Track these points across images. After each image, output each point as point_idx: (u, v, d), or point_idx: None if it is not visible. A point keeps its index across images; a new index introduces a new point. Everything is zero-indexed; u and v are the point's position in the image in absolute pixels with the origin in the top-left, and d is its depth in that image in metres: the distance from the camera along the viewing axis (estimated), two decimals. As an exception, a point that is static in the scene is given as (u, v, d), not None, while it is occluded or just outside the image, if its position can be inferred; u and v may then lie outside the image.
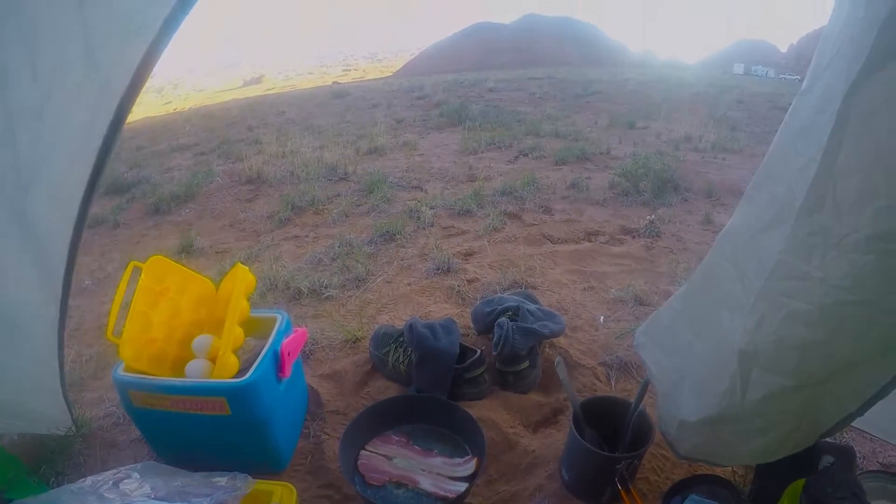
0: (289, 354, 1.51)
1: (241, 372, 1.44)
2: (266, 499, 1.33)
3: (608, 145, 6.01)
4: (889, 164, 0.82)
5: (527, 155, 5.75)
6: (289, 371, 1.52)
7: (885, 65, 0.79)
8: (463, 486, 1.47)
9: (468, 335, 2.16)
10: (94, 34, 1.12)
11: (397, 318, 2.40)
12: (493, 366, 1.89)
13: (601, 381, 1.94)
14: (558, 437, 1.66)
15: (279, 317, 1.63)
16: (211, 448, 1.53)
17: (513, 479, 1.57)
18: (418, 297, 2.62)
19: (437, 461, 1.57)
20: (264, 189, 5.26)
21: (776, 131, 1.06)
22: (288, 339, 1.54)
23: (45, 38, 1.09)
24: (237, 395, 1.39)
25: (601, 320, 2.34)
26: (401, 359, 1.87)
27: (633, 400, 1.49)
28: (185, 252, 3.83)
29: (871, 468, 1.55)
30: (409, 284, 2.77)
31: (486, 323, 2.05)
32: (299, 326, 1.70)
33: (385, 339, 1.97)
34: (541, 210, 3.87)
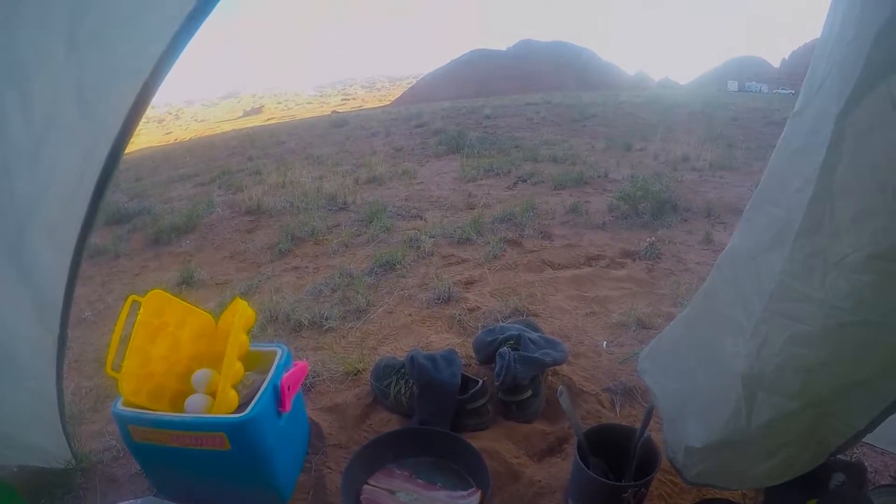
0: (289, 388, 1.50)
1: (241, 407, 1.43)
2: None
3: (606, 168, 6.05)
4: (885, 182, 0.83)
5: (525, 181, 5.78)
6: (289, 405, 1.51)
7: (876, 85, 0.80)
8: (468, 519, 1.45)
9: (470, 365, 2.15)
10: (86, 75, 1.14)
11: (398, 350, 2.39)
12: (495, 396, 1.88)
13: (605, 408, 1.92)
14: (564, 467, 1.63)
15: (279, 351, 1.62)
16: (211, 483, 1.52)
17: (518, 510, 1.55)
18: (419, 327, 2.61)
19: (441, 494, 1.54)
20: (264, 220, 5.28)
21: (772, 146, 1.07)
22: (288, 374, 1.53)
23: (37, 80, 1.11)
24: (237, 431, 1.37)
25: (604, 346, 2.33)
26: (402, 391, 1.85)
27: (638, 427, 1.48)
28: (186, 284, 3.84)
29: (883, 482, 1.53)
30: (409, 315, 2.76)
31: (487, 352, 2.04)
32: (300, 360, 1.70)
33: (386, 371, 1.96)
34: (540, 236, 3.88)
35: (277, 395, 1.48)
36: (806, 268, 0.95)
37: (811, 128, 0.94)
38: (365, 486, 1.58)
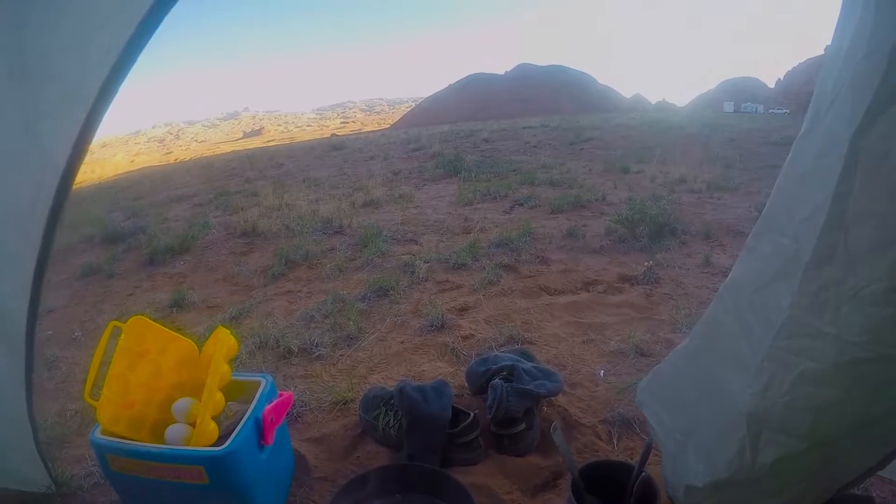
0: (272, 421, 1.43)
1: (221, 439, 1.37)
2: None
3: (603, 192, 6.02)
4: (905, 210, 0.77)
5: (522, 205, 5.75)
6: (271, 438, 1.44)
7: (893, 104, 0.74)
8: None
9: (462, 395, 2.08)
10: (32, 103, 1.13)
11: (389, 378, 2.31)
12: (487, 428, 1.80)
13: (603, 441, 1.84)
14: (558, 503, 1.56)
15: (263, 381, 1.56)
16: (191, 516, 1.44)
17: (510, 550, 1.47)
18: (411, 355, 2.54)
19: (429, 533, 1.47)
20: (259, 242, 5.24)
21: (770, 167, 1.01)
22: (271, 405, 1.46)
23: None
24: (216, 465, 1.31)
25: (601, 375, 2.25)
26: (391, 423, 1.78)
27: (636, 463, 1.41)
28: (177, 306, 3.78)
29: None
30: (402, 342, 2.69)
31: (480, 383, 1.97)
32: (286, 390, 1.64)
33: (375, 402, 1.89)
34: (537, 261, 3.82)
35: (259, 428, 1.42)
36: (817, 301, 0.88)
37: (821, 150, 0.88)
38: (350, 524, 1.50)
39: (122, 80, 1.11)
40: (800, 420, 0.97)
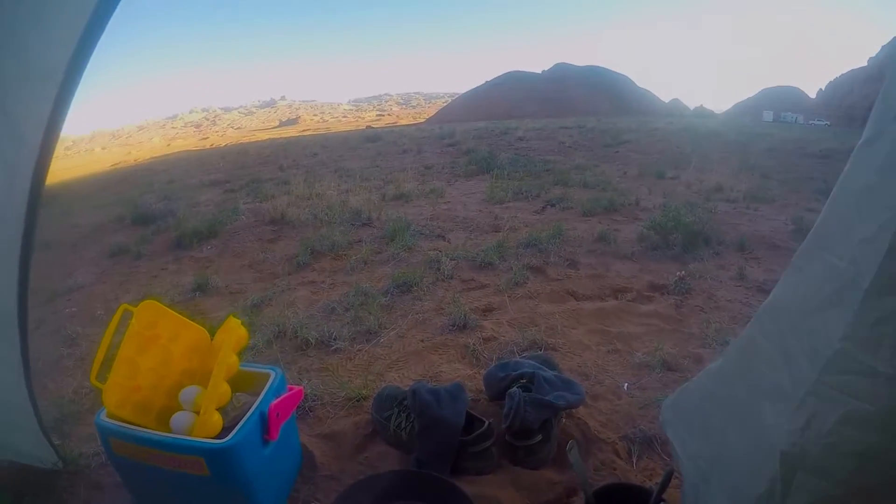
0: (277, 416, 1.39)
1: (226, 430, 1.34)
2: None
3: (637, 196, 5.88)
4: None
5: (554, 205, 5.65)
6: (276, 434, 1.40)
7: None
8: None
9: (479, 400, 2.01)
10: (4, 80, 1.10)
11: (406, 378, 2.26)
12: (502, 437, 1.74)
13: (622, 458, 1.76)
14: (572, 523, 1.49)
15: (272, 374, 1.52)
16: (191, 504, 1.42)
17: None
18: (430, 354, 2.48)
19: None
20: (287, 231, 5.25)
21: (810, 178, 0.92)
22: (278, 400, 1.42)
23: None
24: (216, 457, 1.28)
25: (625, 388, 2.17)
26: (403, 425, 1.72)
27: (654, 487, 1.33)
28: (200, 290, 3.80)
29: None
30: (422, 341, 2.63)
31: (498, 389, 1.91)
32: (298, 383, 1.59)
33: (388, 402, 1.84)
34: (566, 264, 3.73)
35: (264, 423, 1.37)
36: (873, 335, 0.79)
37: (886, 161, 0.79)
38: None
39: (90, 55, 1.08)
40: (840, 465, 0.88)
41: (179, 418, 1.43)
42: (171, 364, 1.58)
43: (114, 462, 1.48)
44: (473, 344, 2.51)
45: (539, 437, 1.68)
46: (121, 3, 1.06)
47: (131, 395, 1.46)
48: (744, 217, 5.17)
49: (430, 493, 1.49)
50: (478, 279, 3.47)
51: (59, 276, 5.02)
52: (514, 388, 1.74)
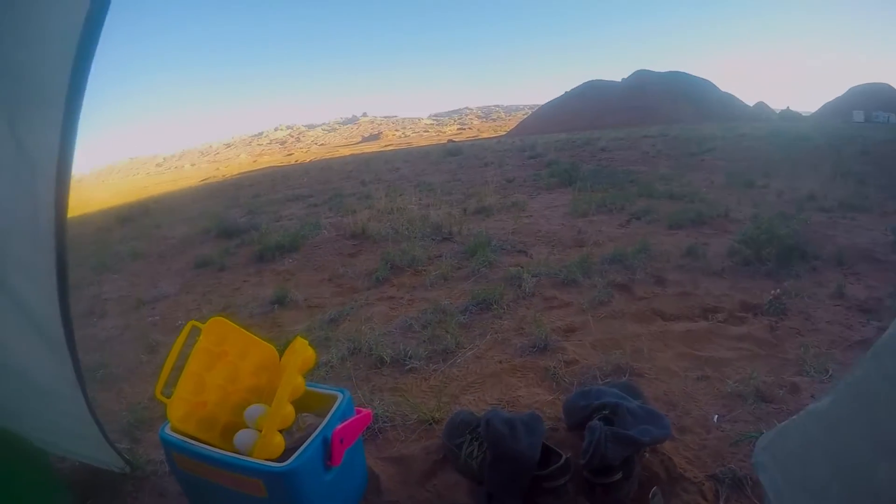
0: (341, 442, 1.34)
1: (288, 452, 1.32)
2: None
3: (726, 207, 5.49)
4: None
5: (639, 218, 5.41)
6: (339, 459, 1.35)
7: None
8: None
9: (557, 430, 1.89)
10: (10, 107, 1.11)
11: (481, 401, 2.17)
12: (580, 472, 1.61)
13: (708, 501, 1.58)
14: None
15: (340, 396, 1.48)
16: (249, 525, 1.40)
17: None
18: (509, 377, 2.38)
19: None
20: (367, 245, 5.28)
21: None
22: (343, 425, 1.38)
23: None
24: (275, 481, 1.25)
25: (715, 420, 1.98)
26: (475, 453, 1.63)
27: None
28: (279, 303, 3.87)
29: None
30: (500, 362, 2.53)
31: (579, 419, 1.78)
32: (369, 404, 1.54)
33: (461, 428, 1.75)
34: (652, 281, 3.53)
35: (327, 448, 1.33)
36: None
37: None
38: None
39: (87, 76, 1.07)
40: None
41: (243, 436, 1.42)
42: (238, 381, 1.59)
43: (176, 475, 1.50)
44: (554, 367, 2.39)
45: (619, 475, 1.54)
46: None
47: (196, 410, 1.48)
48: (840, 227, 4.73)
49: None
50: (560, 297, 3.33)
51: (147, 285, 5.27)
52: (595, 421, 1.61)
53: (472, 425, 1.73)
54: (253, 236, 6.36)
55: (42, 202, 1.25)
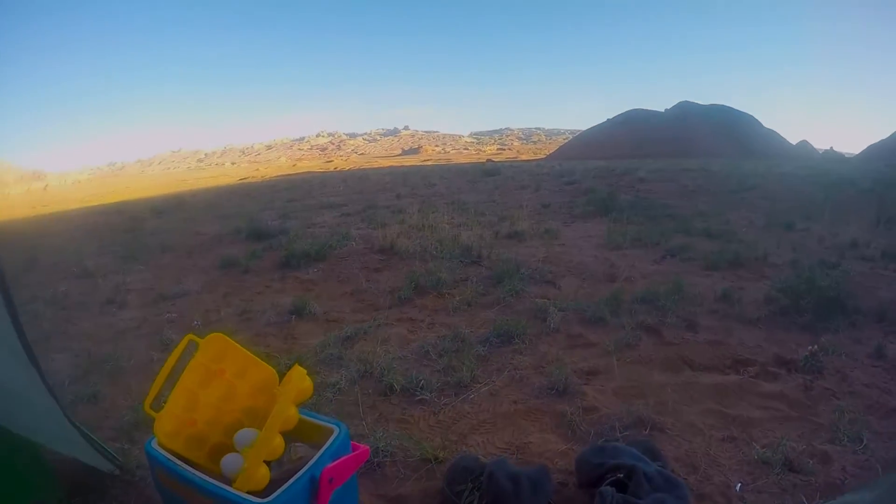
0: (330, 481, 1.26)
1: (274, 484, 1.25)
2: None
3: (765, 249, 5.24)
4: None
5: (674, 255, 5.24)
6: (326, 500, 1.27)
7: None
8: None
9: (567, 485, 1.78)
10: None
11: (490, 444, 2.07)
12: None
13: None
14: None
15: (336, 431, 1.41)
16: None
17: None
18: (522, 419, 2.27)
19: None
20: (394, 261, 5.23)
21: None
22: (335, 463, 1.30)
23: None
24: (253, 516, 1.17)
25: (737, 489, 1.84)
26: (475, 504, 1.53)
27: None
28: (297, 314, 3.84)
29: None
30: (515, 402, 2.43)
31: (591, 477, 1.67)
32: (365, 440, 1.46)
33: (463, 475, 1.66)
34: (684, 325, 3.38)
35: (314, 488, 1.25)
36: None
37: None
38: None
39: None
40: None
41: (230, 461, 1.37)
42: (234, 401, 1.53)
43: (159, 490, 1.47)
44: (571, 413, 2.28)
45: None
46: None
47: (186, 427, 1.44)
48: (882, 280, 4.45)
49: None
50: (586, 335, 3.21)
51: (171, 280, 5.30)
52: (607, 487, 1.50)
53: (476, 473, 1.64)
54: (281, 241, 6.37)
55: None
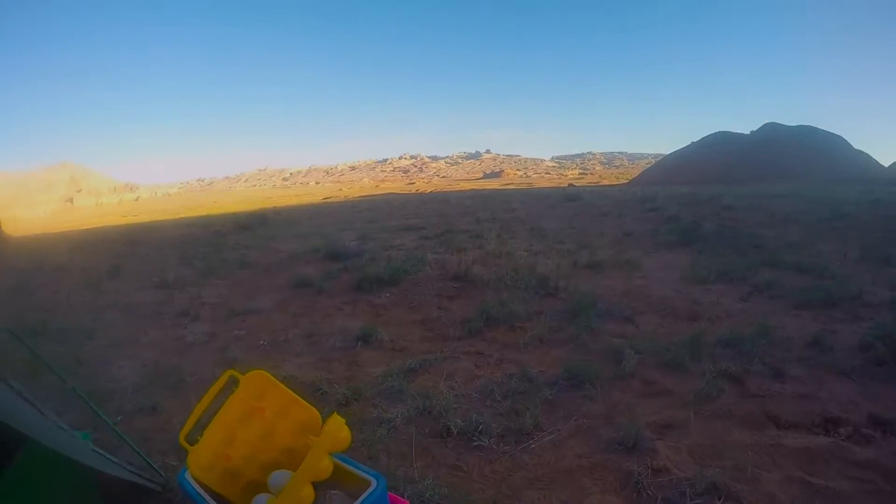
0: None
1: None
2: None
3: (860, 287, 4.73)
4: None
5: (762, 292, 4.86)
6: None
7: None
8: None
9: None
10: None
11: (545, 503, 1.92)
12: None
13: None
14: None
15: (373, 484, 1.34)
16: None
17: None
18: (584, 476, 2.10)
19: None
20: (468, 290, 5.13)
21: None
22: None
23: None
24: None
25: None
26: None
27: None
28: (363, 341, 3.81)
29: None
30: (579, 455, 2.26)
31: None
32: (405, 492, 1.37)
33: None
34: (770, 374, 3.09)
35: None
36: None
37: None
38: None
39: None
40: None
41: (260, 502, 1.35)
42: (273, 439, 1.51)
43: None
44: (639, 473, 2.09)
45: None
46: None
47: (221, 461, 1.45)
48: None
49: None
50: (662, 382, 2.99)
51: (245, 296, 5.43)
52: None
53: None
54: (357, 263, 6.40)
55: None
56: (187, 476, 1.38)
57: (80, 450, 1.66)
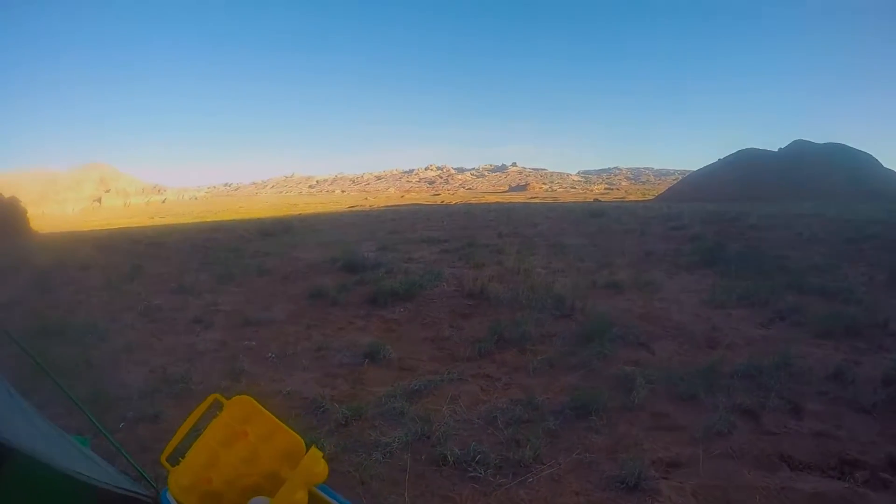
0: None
1: None
2: None
3: (886, 314, 4.54)
4: None
5: (784, 318, 4.68)
6: None
7: None
8: None
9: None
10: None
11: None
12: None
13: None
14: None
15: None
16: None
17: None
18: (580, 517, 2.02)
19: None
20: (482, 307, 5.08)
21: None
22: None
23: None
24: None
25: None
26: None
27: None
28: (371, 358, 3.78)
29: None
30: (577, 493, 2.18)
31: None
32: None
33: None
34: (787, 409, 2.95)
35: None
36: None
37: None
38: None
39: None
40: None
41: None
42: (256, 464, 1.50)
43: None
44: (637, 515, 1.99)
45: None
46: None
47: (202, 484, 1.44)
48: None
49: None
50: (672, 416, 2.88)
51: (259, 305, 5.44)
52: None
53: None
54: (373, 275, 6.38)
55: None
56: (168, 496, 1.39)
57: (72, 459, 1.64)
